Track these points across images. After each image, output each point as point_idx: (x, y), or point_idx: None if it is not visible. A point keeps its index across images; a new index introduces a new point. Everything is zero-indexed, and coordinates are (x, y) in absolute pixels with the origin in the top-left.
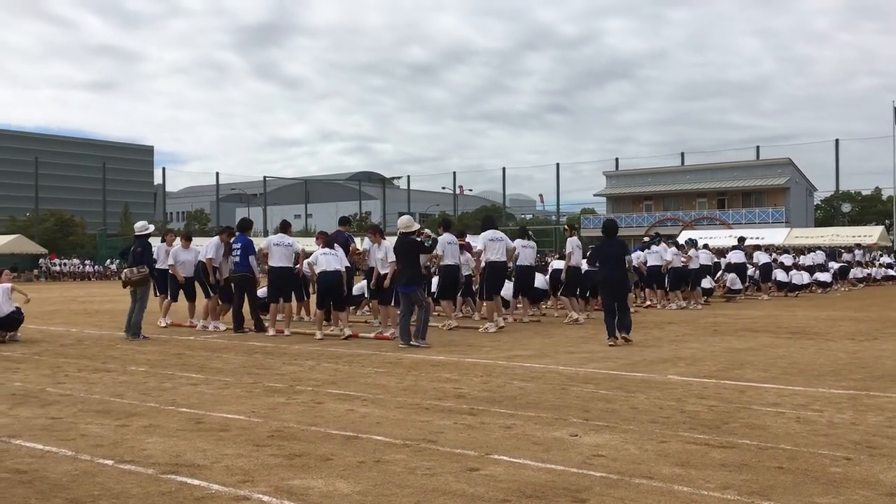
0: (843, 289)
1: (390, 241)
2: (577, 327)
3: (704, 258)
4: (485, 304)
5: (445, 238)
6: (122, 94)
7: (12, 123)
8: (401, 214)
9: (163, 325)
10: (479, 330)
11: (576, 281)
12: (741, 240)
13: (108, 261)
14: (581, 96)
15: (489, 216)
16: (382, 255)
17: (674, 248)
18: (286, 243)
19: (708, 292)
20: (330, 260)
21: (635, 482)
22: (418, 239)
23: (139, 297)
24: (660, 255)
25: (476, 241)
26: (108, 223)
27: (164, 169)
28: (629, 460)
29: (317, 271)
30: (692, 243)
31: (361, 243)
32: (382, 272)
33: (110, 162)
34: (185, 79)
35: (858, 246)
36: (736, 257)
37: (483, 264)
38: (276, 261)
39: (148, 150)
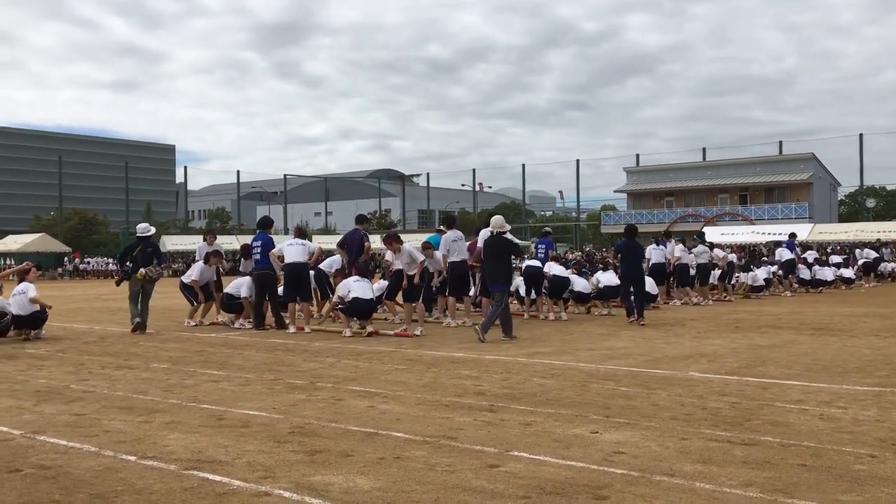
0: (867, 285)
1: (409, 244)
2: (599, 325)
3: (706, 257)
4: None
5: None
6: (145, 93)
7: (36, 123)
8: (420, 212)
9: (192, 324)
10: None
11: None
12: (792, 235)
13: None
14: (601, 92)
15: (491, 215)
16: (407, 259)
17: (681, 246)
18: (299, 242)
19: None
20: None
21: (656, 479)
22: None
23: (149, 293)
24: (663, 254)
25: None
26: (130, 222)
27: (185, 168)
28: (650, 457)
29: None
30: (697, 239)
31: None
32: (410, 273)
33: (133, 161)
34: (207, 78)
35: (883, 244)
36: (787, 255)
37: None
38: (289, 258)
39: (170, 150)
